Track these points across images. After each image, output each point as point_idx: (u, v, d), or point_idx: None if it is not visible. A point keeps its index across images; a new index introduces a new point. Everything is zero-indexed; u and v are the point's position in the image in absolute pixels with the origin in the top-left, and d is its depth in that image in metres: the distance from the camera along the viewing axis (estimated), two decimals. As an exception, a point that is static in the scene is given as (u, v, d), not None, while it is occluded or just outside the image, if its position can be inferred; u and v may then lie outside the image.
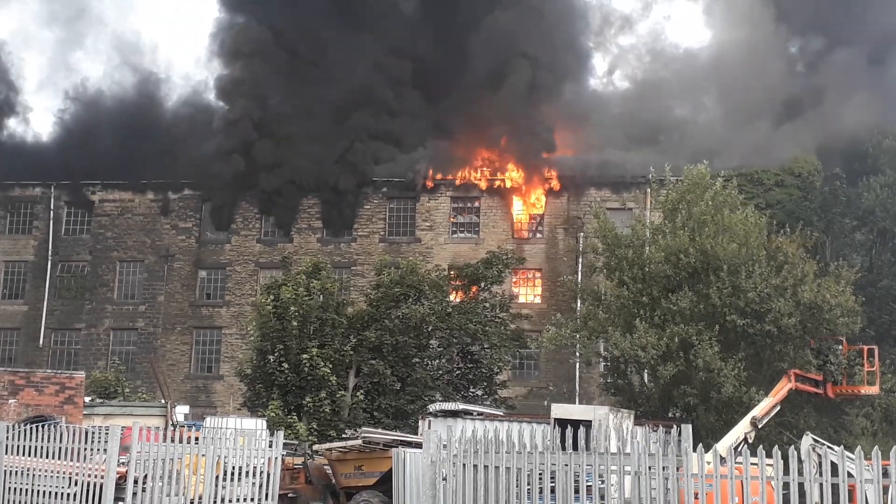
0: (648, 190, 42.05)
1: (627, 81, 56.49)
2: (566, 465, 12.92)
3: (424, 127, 49.18)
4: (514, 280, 45.02)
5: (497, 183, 47.11)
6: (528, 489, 13.16)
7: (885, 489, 11.18)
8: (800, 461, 11.40)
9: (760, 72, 47.76)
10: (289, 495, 23.16)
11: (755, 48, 48.97)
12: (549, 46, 50.89)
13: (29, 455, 16.89)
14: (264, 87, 50.24)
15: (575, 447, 12.92)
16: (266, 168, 47.64)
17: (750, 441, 24.63)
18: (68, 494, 16.27)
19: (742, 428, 25.32)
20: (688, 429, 12.45)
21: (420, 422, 27.78)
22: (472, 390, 36.14)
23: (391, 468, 20.48)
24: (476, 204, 47.52)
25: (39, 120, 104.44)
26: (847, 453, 11.65)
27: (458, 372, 36.54)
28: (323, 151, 47.09)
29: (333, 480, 24.09)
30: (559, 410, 26.15)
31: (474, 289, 37.67)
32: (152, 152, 49.46)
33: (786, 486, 11.49)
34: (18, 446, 17.08)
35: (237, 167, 47.36)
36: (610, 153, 47.05)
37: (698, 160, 33.89)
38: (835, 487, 11.26)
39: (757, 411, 25.98)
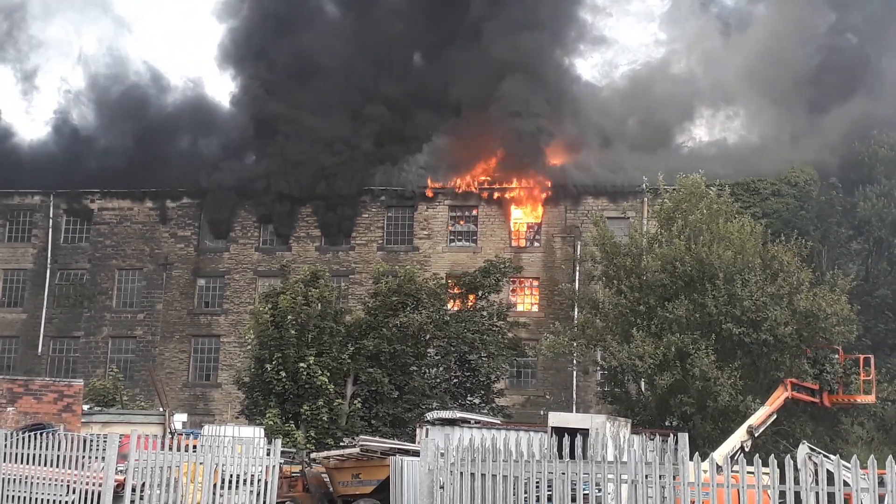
0: (645, 199, 42.16)
1: (635, 83, 56.05)
2: (563, 473, 12.97)
3: (423, 136, 49.29)
4: (511, 289, 45.08)
5: (495, 192, 47.18)
6: (526, 497, 13.20)
7: (881, 498, 11.23)
8: (796, 470, 11.45)
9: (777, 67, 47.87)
10: (286, 503, 23.18)
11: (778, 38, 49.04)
12: (551, 49, 50.91)
13: (27, 463, 16.93)
14: (265, 62, 50.71)
15: (572, 456, 12.97)
16: (265, 176, 47.78)
17: (746, 450, 24.69)
18: (66, 502, 16.31)
19: (738, 436, 25.37)
20: (684, 437, 12.52)
21: (417, 430, 27.79)
22: (469, 398, 36.14)
23: (389, 476, 20.54)
24: (474, 213, 47.58)
25: (38, 127, 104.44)
26: (843, 462, 11.72)
27: (455, 380, 36.56)
28: (322, 160, 47.17)
29: (331, 488, 24.13)
30: (556, 419, 26.20)
31: (472, 297, 37.69)
32: (151, 160, 49.61)
33: (782, 494, 11.55)
34: (16, 454, 17.12)
35: (236, 179, 47.63)
36: (609, 161, 47.09)
37: (705, 167, 34.08)
38: (831, 496, 11.33)
39: (753, 420, 26.04)
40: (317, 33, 52.00)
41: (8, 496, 17.07)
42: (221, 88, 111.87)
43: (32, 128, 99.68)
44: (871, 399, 30.11)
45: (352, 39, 51.50)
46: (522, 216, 47.23)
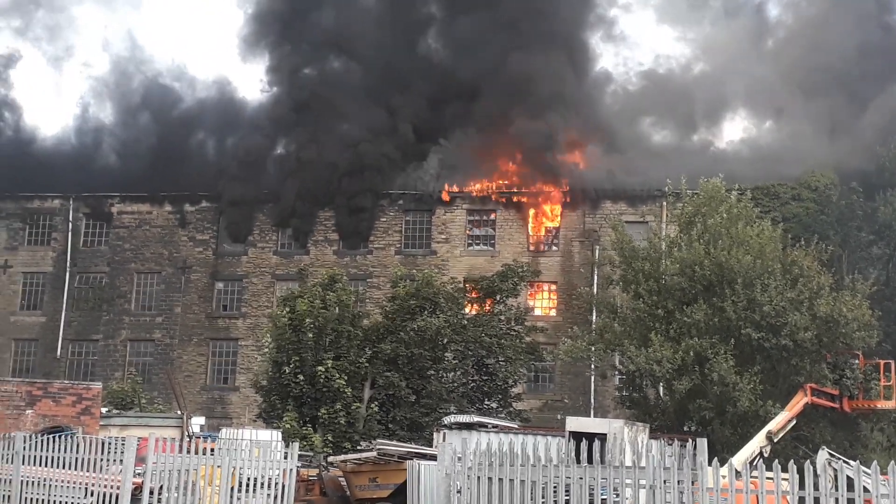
0: (664, 203, 42.00)
1: (658, 83, 54.98)
2: (581, 478, 12.92)
3: (441, 139, 49.27)
4: (529, 293, 44.98)
5: (514, 196, 47.10)
6: (543, 502, 13.16)
7: (901, 504, 11.14)
8: (815, 476, 11.38)
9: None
10: (303, 507, 23.20)
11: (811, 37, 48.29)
12: (571, 48, 50.65)
13: (45, 465, 16.99)
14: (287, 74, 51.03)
15: (590, 460, 12.93)
16: (284, 181, 47.88)
17: (765, 455, 24.57)
18: (84, 505, 16.36)
19: (758, 442, 25.26)
20: (703, 443, 12.45)
21: (435, 434, 27.78)
22: (486, 403, 36.10)
23: (406, 480, 20.51)
24: (492, 216, 47.51)
25: (60, 120, 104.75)
26: (863, 468, 11.63)
27: (472, 384, 36.50)
28: (340, 163, 47.23)
29: (348, 492, 24.12)
30: (574, 423, 26.12)
31: (490, 301, 37.65)
32: (171, 162, 49.81)
33: (801, 500, 11.47)
34: (35, 457, 17.18)
35: (254, 188, 47.82)
36: (629, 164, 46.84)
37: (730, 169, 33.83)
38: (851, 502, 11.24)
39: (773, 425, 25.92)
40: (343, 16, 52.14)
41: (27, 498, 17.13)
42: (240, 88, 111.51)
43: (54, 121, 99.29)
44: (891, 405, 29.89)
45: (379, 26, 51.56)
46: (540, 220, 47.12)
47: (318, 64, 51.86)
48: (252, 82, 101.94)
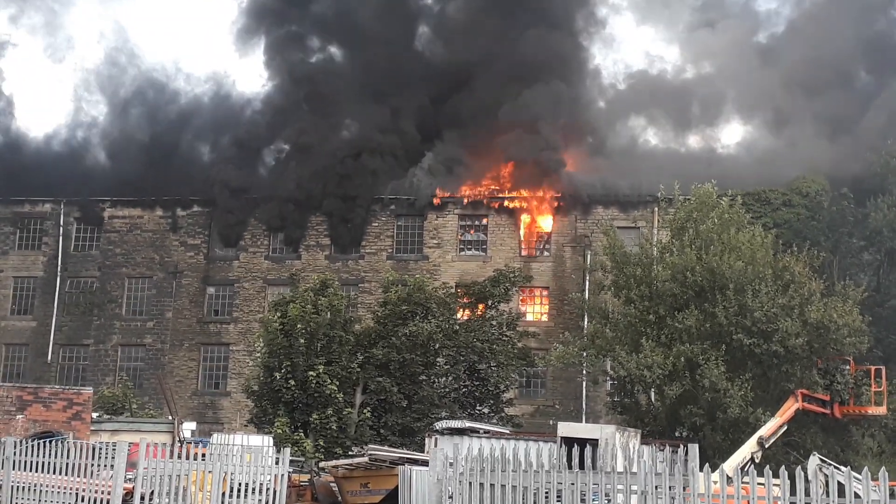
0: (656, 208, 42.05)
1: (650, 86, 54.53)
2: (572, 484, 12.93)
3: (432, 144, 49.28)
4: (521, 298, 45.00)
5: (505, 201, 47.12)
6: (535, 508, 13.16)
7: (892, 510, 11.16)
8: (807, 481, 11.39)
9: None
10: (295, 512, 23.17)
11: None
12: (565, 55, 50.68)
13: (36, 471, 16.94)
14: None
15: (581, 466, 12.93)
16: (275, 185, 47.82)
17: (757, 461, 24.63)
18: (75, 510, 16.32)
19: (749, 448, 25.31)
20: (694, 448, 12.46)
21: (426, 439, 27.74)
22: (478, 408, 36.10)
23: (397, 486, 20.49)
24: (484, 221, 47.53)
25: (49, 131, 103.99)
26: (854, 474, 11.66)
27: (464, 390, 36.50)
28: (331, 168, 47.21)
29: (340, 498, 24.10)
30: (566, 429, 26.16)
31: (481, 306, 37.67)
32: (163, 166, 49.73)
33: (792, 506, 11.48)
34: (26, 462, 17.14)
35: (244, 187, 47.72)
36: (620, 169, 46.84)
37: (724, 174, 33.85)
38: (841, 508, 11.26)
39: (764, 431, 25.98)
40: (338, 7, 52.28)
41: (17, 504, 17.09)
42: (237, 84, 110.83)
43: (46, 120, 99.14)
44: (882, 410, 30.00)
45: (374, 17, 51.65)
46: (532, 225, 47.13)
47: (316, 55, 52.15)
48: (248, 79, 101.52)
